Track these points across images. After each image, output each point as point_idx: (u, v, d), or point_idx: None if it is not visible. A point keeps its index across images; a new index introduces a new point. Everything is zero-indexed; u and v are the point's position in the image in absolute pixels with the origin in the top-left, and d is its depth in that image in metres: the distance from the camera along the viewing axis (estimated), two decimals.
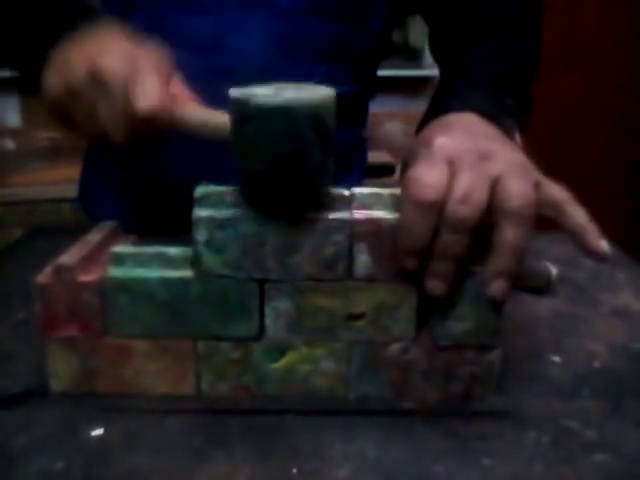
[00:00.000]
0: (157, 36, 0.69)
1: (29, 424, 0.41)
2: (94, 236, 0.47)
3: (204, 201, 0.41)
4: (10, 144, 2.05)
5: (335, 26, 0.67)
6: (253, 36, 0.65)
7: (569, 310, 0.59)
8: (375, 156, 1.96)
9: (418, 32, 2.35)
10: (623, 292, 0.63)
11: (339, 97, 0.75)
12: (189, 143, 0.69)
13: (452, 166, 0.40)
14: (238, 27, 0.65)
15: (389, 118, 2.15)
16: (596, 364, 0.50)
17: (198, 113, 0.47)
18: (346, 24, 0.68)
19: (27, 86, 0.56)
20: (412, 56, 2.35)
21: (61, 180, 1.65)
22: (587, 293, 0.63)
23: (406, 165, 0.44)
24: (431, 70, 2.35)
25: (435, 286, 0.40)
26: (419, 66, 2.33)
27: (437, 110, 0.52)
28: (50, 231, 0.75)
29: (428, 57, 2.35)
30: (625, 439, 0.41)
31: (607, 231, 0.83)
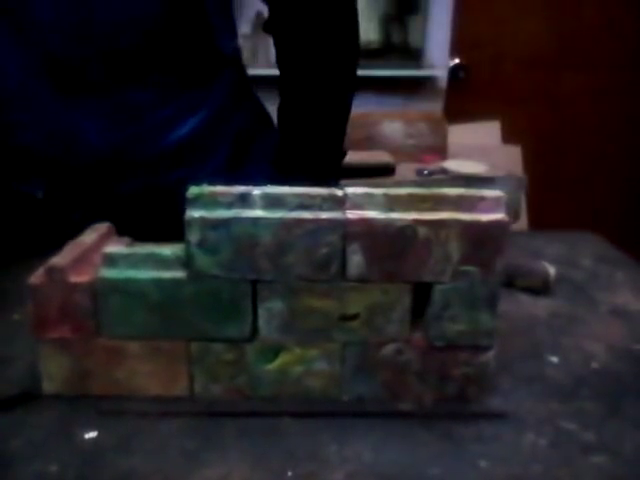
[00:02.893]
0: (6, 154, 0.66)
1: (24, 427, 0.41)
2: (88, 237, 0.46)
3: (196, 202, 0.40)
4: None
5: (162, 76, 0.66)
6: (90, 124, 0.64)
7: (567, 310, 0.58)
8: (375, 156, 1.96)
9: (418, 32, 2.36)
10: (622, 292, 0.62)
11: (208, 115, 0.70)
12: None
13: None
14: (71, 122, 0.64)
15: (389, 118, 2.15)
16: (594, 365, 0.49)
17: None
18: (176, 66, 0.67)
19: None
20: (412, 56, 2.35)
21: None
22: (585, 293, 0.62)
23: None
24: (431, 70, 2.35)
25: None
26: (419, 66, 2.33)
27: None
28: None
29: (428, 57, 2.35)
30: (623, 440, 0.41)
31: (607, 231, 0.83)
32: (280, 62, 0.73)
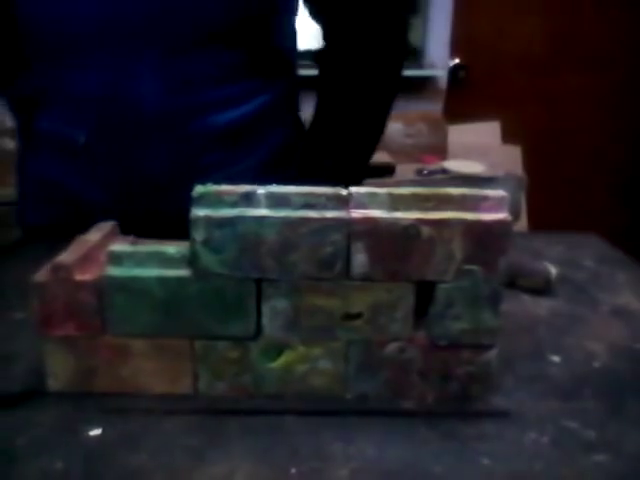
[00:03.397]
0: (55, 96, 0.67)
1: (28, 424, 0.41)
2: (92, 235, 0.46)
3: (202, 200, 0.41)
4: (10, 144, 2.05)
5: (231, 50, 0.67)
6: (145, 82, 0.66)
7: (569, 310, 0.59)
8: (375, 156, 1.96)
9: (418, 32, 2.36)
10: (623, 292, 0.63)
11: (258, 108, 0.73)
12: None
13: None
14: (127, 75, 0.65)
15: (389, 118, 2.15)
16: (596, 364, 0.50)
17: None
18: (244, 46, 0.68)
19: None
20: (412, 56, 2.35)
21: None
22: (587, 293, 0.62)
23: None
24: (431, 70, 2.35)
25: None
26: (419, 66, 2.33)
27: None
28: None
29: (428, 57, 2.35)
30: (625, 439, 0.41)
31: (607, 231, 0.83)
32: (322, 83, 0.75)
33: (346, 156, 0.74)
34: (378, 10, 0.71)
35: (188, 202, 0.48)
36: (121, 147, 0.68)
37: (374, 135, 0.76)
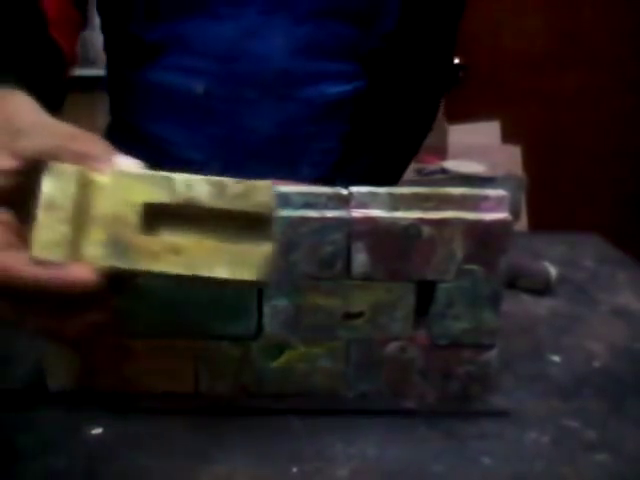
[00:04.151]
0: (177, 46, 0.68)
1: (30, 424, 0.41)
2: None
3: None
4: None
5: (349, 27, 0.68)
6: (273, 40, 0.67)
7: (569, 310, 0.59)
8: None
9: None
10: (623, 292, 0.63)
11: (350, 93, 0.74)
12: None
13: None
14: (258, 32, 0.66)
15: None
16: (596, 364, 0.50)
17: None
18: (360, 25, 0.69)
19: None
20: None
21: None
22: (587, 293, 0.62)
23: None
24: None
25: None
26: None
27: None
28: None
29: None
30: (625, 439, 0.41)
31: (608, 231, 0.83)
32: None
33: (383, 156, 0.74)
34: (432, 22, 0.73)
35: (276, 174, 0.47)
36: (234, 103, 0.68)
37: (413, 142, 0.78)
